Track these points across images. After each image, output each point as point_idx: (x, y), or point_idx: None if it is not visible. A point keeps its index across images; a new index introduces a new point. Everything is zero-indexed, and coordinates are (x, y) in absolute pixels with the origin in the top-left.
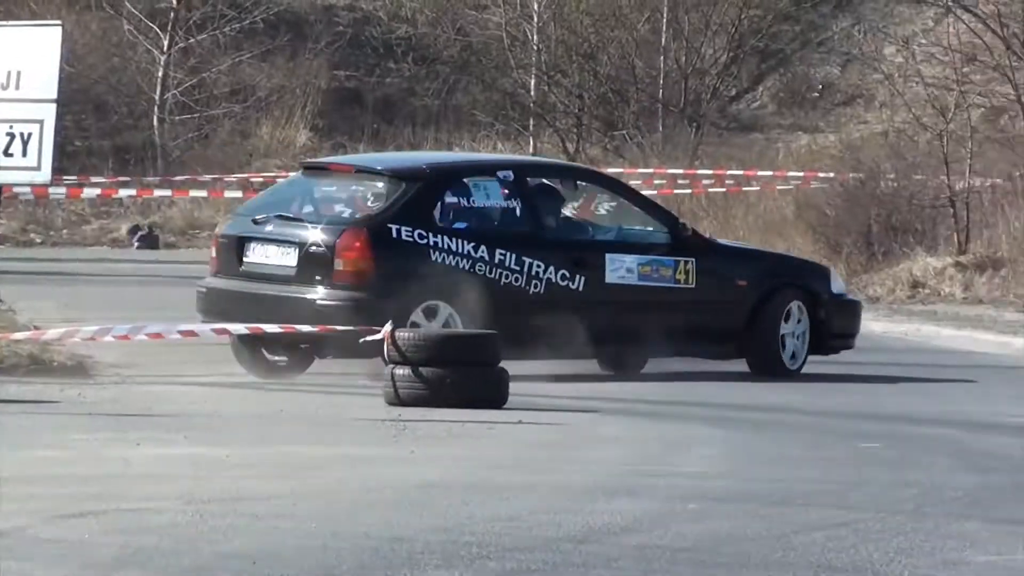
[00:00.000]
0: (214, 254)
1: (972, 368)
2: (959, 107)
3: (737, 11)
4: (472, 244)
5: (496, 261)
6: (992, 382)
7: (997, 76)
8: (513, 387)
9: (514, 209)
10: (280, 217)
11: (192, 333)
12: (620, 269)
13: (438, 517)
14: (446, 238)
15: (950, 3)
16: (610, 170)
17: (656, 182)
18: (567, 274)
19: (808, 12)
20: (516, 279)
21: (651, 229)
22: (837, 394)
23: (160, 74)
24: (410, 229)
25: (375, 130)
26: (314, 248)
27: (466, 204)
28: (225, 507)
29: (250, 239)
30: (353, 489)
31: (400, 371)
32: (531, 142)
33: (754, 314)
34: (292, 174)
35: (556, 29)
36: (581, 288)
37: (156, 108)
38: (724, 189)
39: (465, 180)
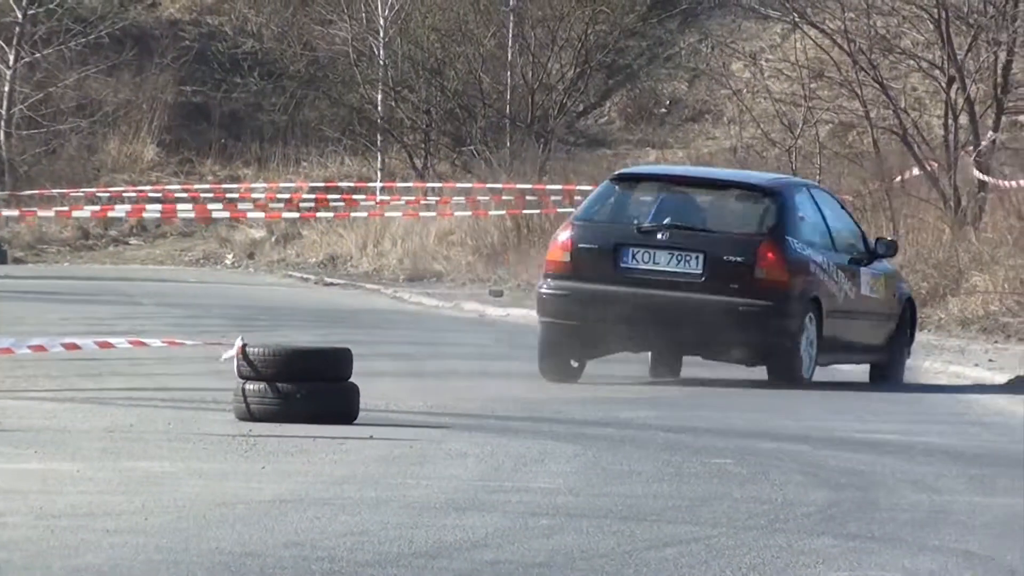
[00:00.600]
0: (568, 259)
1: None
2: (807, 123)
3: (583, 26)
4: (820, 255)
5: (833, 272)
6: (843, 397)
7: (845, 92)
8: (364, 402)
9: (823, 221)
10: (675, 227)
11: (42, 348)
12: (868, 279)
13: (290, 532)
14: (810, 249)
15: (796, 19)
16: (459, 185)
17: (504, 198)
18: (869, 284)
19: (655, 27)
20: (843, 288)
21: (854, 241)
22: (689, 409)
23: (6, 88)
24: (796, 241)
25: (222, 145)
26: (727, 257)
27: (802, 217)
28: (76, 522)
29: (629, 246)
30: (204, 504)
31: (251, 386)
32: (379, 157)
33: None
34: (611, 185)
35: (402, 44)
36: (853, 297)
37: (3, 123)
38: (572, 208)
39: (799, 196)
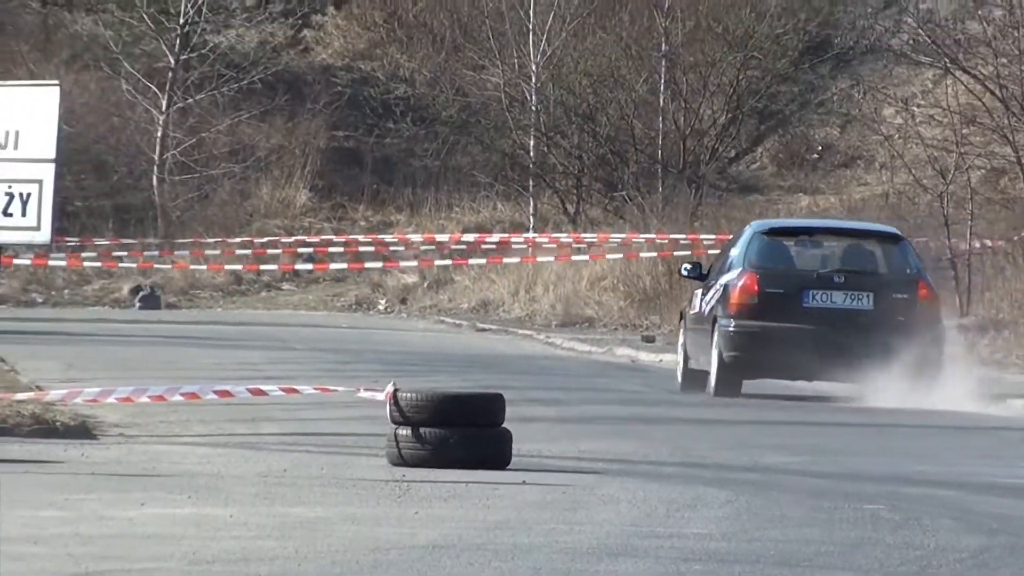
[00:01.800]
0: (756, 301)
1: (971, 429)
2: (959, 168)
3: (735, 72)
4: None
5: None
6: (991, 443)
7: (997, 137)
8: (516, 447)
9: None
10: (848, 272)
11: (195, 396)
12: None
13: None
14: None
15: (948, 64)
16: (612, 236)
17: (657, 242)
18: None
19: (806, 73)
20: None
21: None
22: (831, 454)
23: (159, 134)
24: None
25: (375, 191)
26: (894, 295)
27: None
28: (229, 568)
29: (809, 288)
30: (358, 550)
31: (404, 431)
32: (531, 203)
33: None
34: (754, 233)
35: (555, 90)
36: None
37: (156, 168)
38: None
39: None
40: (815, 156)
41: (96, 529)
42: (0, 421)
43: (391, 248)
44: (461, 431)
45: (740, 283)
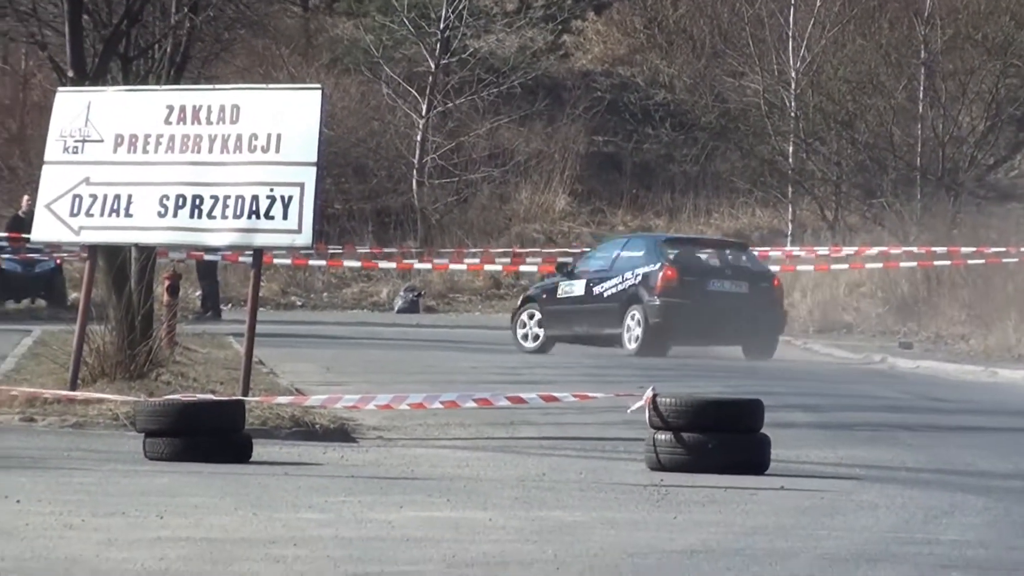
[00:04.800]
0: (676, 285)
1: None
2: None
3: (994, 79)
4: None
5: None
6: None
7: None
8: (774, 453)
9: None
10: (732, 267)
11: (454, 404)
12: None
13: None
14: None
15: None
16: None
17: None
18: None
19: None
20: None
21: None
22: None
23: (419, 138)
24: (776, 274)
25: (634, 195)
26: (760, 284)
27: None
28: (488, 571)
29: (710, 277)
30: (616, 554)
31: (662, 436)
32: (790, 209)
33: None
34: (655, 241)
35: (813, 96)
36: None
37: (415, 172)
38: (983, 260)
39: None
40: None
41: (356, 532)
42: (260, 423)
43: None
44: (720, 436)
45: (662, 272)
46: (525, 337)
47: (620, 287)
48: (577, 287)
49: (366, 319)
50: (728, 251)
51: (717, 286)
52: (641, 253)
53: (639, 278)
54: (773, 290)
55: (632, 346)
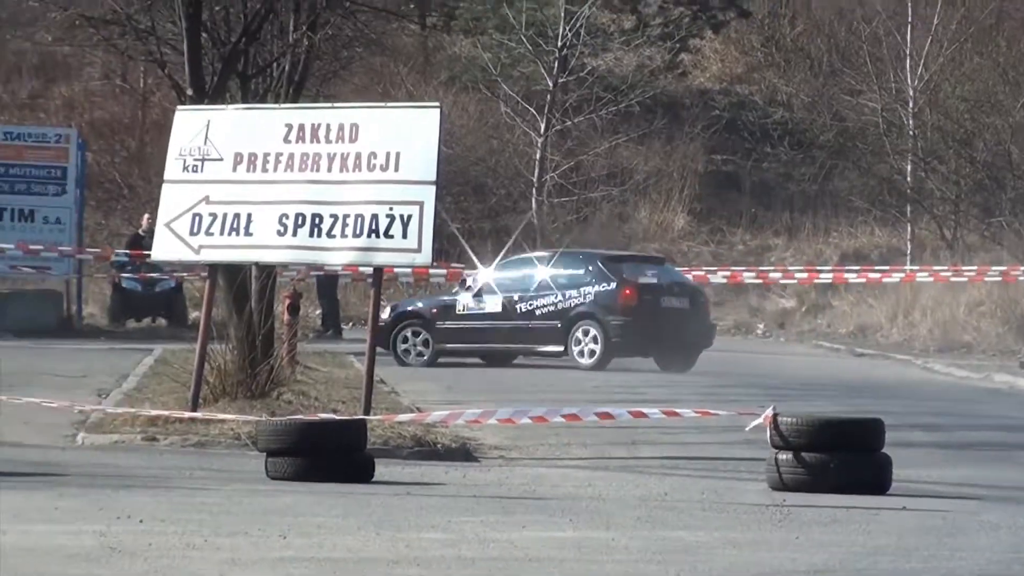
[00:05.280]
0: (636, 303)
1: None
2: None
3: None
4: None
5: None
6: None
7: None
8: (896, 472)
9: None
10: (676, 283)
11: (575, 417)
12: None
13: None
14: None
15: None
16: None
17: None
18: None
19: None
20: None
21: None
22: None
23: (537, 156)
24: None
25: (753, 214)
26: (697, 299)
27: None
28: None
29: (660, 293)
30: (739, 574)
31: (783, 456)
32: (908, 228)
33: None
34: (595, 258)
35: (932, 115)
36: None
37: (534, 190)
38: None
39: None
40: None
41: (478, 552)
42: (382, 443)
43: (769, 275)
44: (841, 456)
45: (621, 291)
46: (407, 353)
47: (561, 304)
48: (490, 303)
49: None
50: (666, 266)
51: (667, 303)
52: (579, 271)
53: (589, 296)
54: (706, 305)
55: (587, 361)
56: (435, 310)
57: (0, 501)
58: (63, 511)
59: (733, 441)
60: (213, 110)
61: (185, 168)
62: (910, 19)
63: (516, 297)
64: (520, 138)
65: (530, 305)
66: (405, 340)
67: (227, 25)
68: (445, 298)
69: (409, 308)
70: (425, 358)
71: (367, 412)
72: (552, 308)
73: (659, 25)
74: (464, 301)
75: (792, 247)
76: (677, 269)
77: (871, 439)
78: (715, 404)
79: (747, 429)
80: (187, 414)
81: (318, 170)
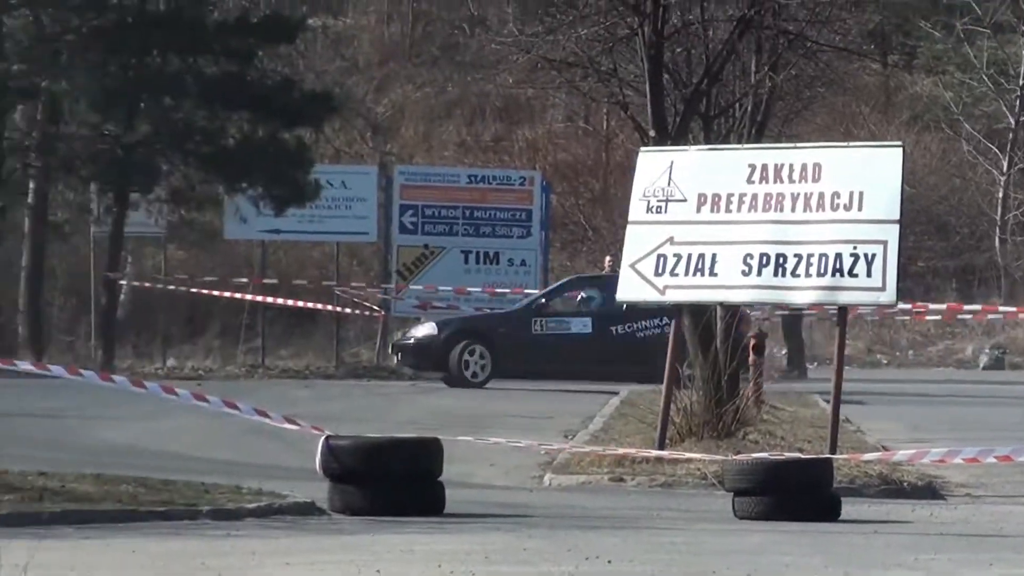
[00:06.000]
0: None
1: None
2: None
3: None
4: None
5: None
6: None
7: None
8: None
9: None
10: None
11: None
12: None
13: None
14: None
15: None
16: None
17: None
18: None
19: None
20: None
21: None
22: None
23: (1000, 195)
24: None
25: None
26: None
27: None
28: None
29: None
30: None
31: None
32: None
33: None
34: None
35: None
36: None
37: (997, 228)
38: None
39: None
40: None
41: None
42: (848, 481)
43: None
44: None
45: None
46: (473, 374)
47: (661, 327)
48: (576, 325)
49: (951, 376)
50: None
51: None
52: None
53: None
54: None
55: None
56: (502, 328)
57: (470, 542)
58: (531, 552)
59: None
60: (676, 151)
61: (649, 209)
62: None
63: (609, 318)
64: (983, 176)
65: (629, 327)
66: (467, 363)
67: (689, 67)
68: (493, 314)
69: (460, 326)
70: (480, 379)
71: (833, 451)
72: (655, 331)
73: None
74: (541, 321)
75: None
76: None
77: None
78: None
79: None
80: (654, 453)
81: (782, 210)
